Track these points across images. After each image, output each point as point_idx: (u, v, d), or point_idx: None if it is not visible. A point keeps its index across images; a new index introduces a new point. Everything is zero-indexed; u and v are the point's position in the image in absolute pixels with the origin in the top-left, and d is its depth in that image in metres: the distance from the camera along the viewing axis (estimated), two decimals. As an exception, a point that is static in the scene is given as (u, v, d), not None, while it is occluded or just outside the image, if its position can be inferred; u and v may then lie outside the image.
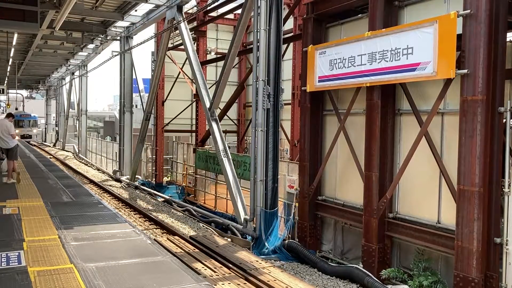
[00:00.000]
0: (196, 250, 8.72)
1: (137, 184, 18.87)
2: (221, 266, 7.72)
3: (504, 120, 6.58)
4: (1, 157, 15.34)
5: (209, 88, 13.74)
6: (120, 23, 20.21)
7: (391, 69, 7.64)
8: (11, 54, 24.45)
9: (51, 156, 29.90)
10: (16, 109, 42.20)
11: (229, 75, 12.44)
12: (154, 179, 20.53)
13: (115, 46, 22.41)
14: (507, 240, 6.44)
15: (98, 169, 25.87)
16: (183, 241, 9.33)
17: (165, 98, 20.07)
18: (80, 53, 28.33)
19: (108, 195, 16.62)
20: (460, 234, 6.67)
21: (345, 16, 9.40)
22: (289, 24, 15.45)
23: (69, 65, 33.72)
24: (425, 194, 7.74)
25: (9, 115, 13.76)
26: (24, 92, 54.40)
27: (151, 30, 20.73)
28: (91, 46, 25.42)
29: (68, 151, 36.78)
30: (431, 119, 7.34)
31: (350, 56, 8.49)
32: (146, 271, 5.71)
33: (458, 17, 6.62)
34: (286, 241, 9.77)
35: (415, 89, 7.85)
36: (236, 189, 11.42)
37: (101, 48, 25.17)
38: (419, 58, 7.14)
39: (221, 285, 6.77)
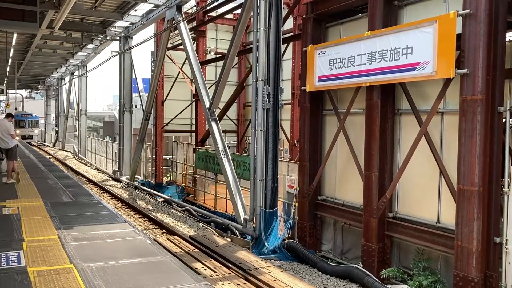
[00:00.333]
0: (196, 250, 8.72)
1: (136, 184, 18.87)
2: (221, 266, 7.72)
3: (504, 119, 6.58)
4: (0, 157, 15.34)
5: (208, 88, 13.73)
6: (119, 23, 20.21)
7: (391, 69, 7.64)
8: (11, 54, 24.46)
9: (51, 156, 29.89)
10: (16, 109, 42.15)
11: (228, 75, 12.43)
12: (153, 179, 20.53)
13: (115, 46, 22.43)
14: (506, 240, 6.45)
15: (98, 169, 25.86)
16: (183, 241, 9.33)
17: (164, 98, 20.07)
18: (79, 53, 28.33)
19: (107, 195, 16.62)
20: (459, 234, 6.67)
21: (344, 16, 9.40)
22: (289, 24, 15.46)
23: (69, 65, 33.72)
24: (424, 194, 7.74)
25: (8, 115, 13.77)
26: (24, 92, 54.38)
27: (150, 30, 20.78)
28: (90, 46, 25.42)
29: (68, 151, 36.78)
30: (430, 119, 7.34)
31: (350, 56, 8.49)
32: (145, 271, 5.71)
33: (457, 16, 6.62)
34: (286, 241, 9.77)
35: (415, 88, 7.85)
36: (235, 189, 11.42)
37: (101, 48, 25.17)
38: (419, 57, 7.14)
39: (221, 285, 6.77)
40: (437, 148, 7.44)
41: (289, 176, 10.81)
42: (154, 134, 20.37)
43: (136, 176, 20.07)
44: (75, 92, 35.95)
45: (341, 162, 9.54)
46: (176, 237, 9.82)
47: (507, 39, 6.84)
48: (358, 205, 8.83)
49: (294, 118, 15.40)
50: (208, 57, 18.91)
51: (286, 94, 12.82)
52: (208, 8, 16.54)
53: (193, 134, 19.41)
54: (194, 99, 18.74)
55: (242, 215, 10.89)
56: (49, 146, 42.37)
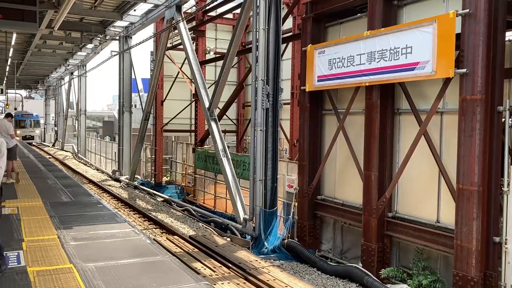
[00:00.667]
0: (196, 249, 8.72)
1: (136, 184, 18.87)
2: (221, 265, 7.72)
3: (503, 119, 6.59)
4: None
5: (208, 88, 13.73)
6: (119, 23, 20.20)
7: (390, 69, 7.65)
8: (10, 54, 24.46)
9: (50, 156, 29.88)
10: (15, 108, 42.10)
11: (228, 75, 12.43)
12: (153, 179, 20.53)
13: (114, 46, 22.43)
14: (506, 239, 6.45)
15: (97, 169, 25.85)
16: (183, 241, 9.33)
17: (164, 98, 20.07)
18: (79, 53, 28.31)
19: (107, 195, 16.61)
20: (459, 233, 6.68)
21: (344, 16, 9.40)
22: (288, 24, 15.45)
23: (68, 65, 33.72)
24: (424, 194, 7.75)
25: (8, 115, 13.78)
26: (23, 92, 54.37)
27: (150, 30, 20.76)
28: (90, 46, 25.41)
29: (67, 151, 36.75)
30: (430, 119, 7.35)
31: (349, 56, 8.49)
32: (145, 270, 5.71)
33: (457, 16, 6.62)
34: (286, 241, 9.77)
35: (414, 88, 7.86)
36: (235, 189, 11.42)
37: (100, 48, 25.17)
38: (418, 57, 7.15)
39: (221, 284, 6.77)
40: (436, 147, 7.45)
41: (288, 175, 10.81)
42: (154, 134, 20.36)
43: (135, 176, 20.07)
44: (74, 92, 35.95)
45: (340, 162, 9.55)
46: (175, 237, 9.82)
47: (507, 38, 6.84)
48: (357, 205, 8.83)
49: (294, 118, 15.40)
50: (208, 57, 18.90)
51: (285, 94, 12.82)
52: (207, 7, 16.53)
53: (193, 134, 19.40)
54: (193, 99, 18.73)
55: (241, 215, 10.89)
56: (48, 146, 42.33)
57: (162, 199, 16.11)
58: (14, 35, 19.59)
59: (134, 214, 13.35)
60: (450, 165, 7.12)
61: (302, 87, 9.95)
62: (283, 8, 10.86)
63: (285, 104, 12.79)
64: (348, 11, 9.25)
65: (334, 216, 9.52)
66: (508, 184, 6.38)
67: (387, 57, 7.70)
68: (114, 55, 21.51)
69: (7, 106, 33.40)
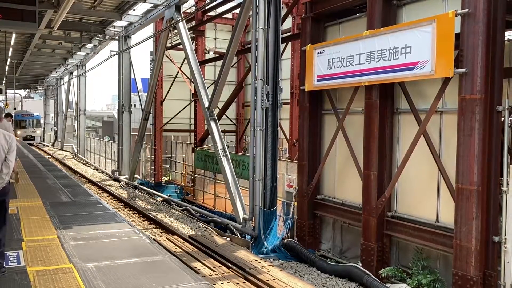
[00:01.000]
0: (195, 249, 8.72)
1: (136, 184, 18.87)
2: (220, 265, 7.73)
3: (502, 118, 6.59)
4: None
5: (207, 88, 13.74)
6: (118, 23, 20.20)
7: (390, 68, 7.65)
8: (9, 54, 24.45)
9: (50, 156, 29.88)
10: (15, 108, 41.99)
11: (227, 75, 12.43)
12: (153, 179, 20.53)
13: (114, 45, 22.42)
14: (505, 239, 6.45)
15: (97, 169, 25.85)
16: (182, 241, 9.33)
17: (163, 97, 20.06)
18: (78, 53, 28.32)
19: (107, 194, 16.62)
20: (458, 233, 6.68)
21: (343, 15, 9.40)
22: (288, 24, 15.45)
23: (68, 65, 33.71)
24: (423, 193, 7.76)
25: (7, 115, 13.77)
26: (23, 92, 54.34)
27: (149, 29, 20.72)
28: (89, 45, 25.40)
29: (67, 151, 36.75)
30: (429, 118, 7.36)
31: (349, 55, 8.49)
32: (145, 270, 5.71)
33: (456, 16, 6.62)
34: (285, 240, 9.78)
35: (414, 88, 7.86)
36: (235, 189, 11.43)
37: (100, 47, 25.16)
38: (418, 57, 7.15)
39: (220, 284, 6.78)
40: (436, 147, 7.46)
41: (288, 175, 10.81)
42: (153, 134, 20.36)
43: (135, 175, 20.07)
44: (74, 91, 35.94)
45: (340, 162, 9.55)
46: (175, 236, 9.83)
47: (506, 38, 6.84)
48: (357, 204, 8.83)
49: (293, 118, 15.41)
50: (207, 56, 18.90)
51: (285, 94, 12.84)
52: (207, 7, 16.54)
53: (192, 133, 19.41)
54: (193, 99, 18.73)
55: (241, 215, 10.90)
56: (48, 146, 42.30)
57: (161, 199, 16.12)
58: (14, 35, 19.58)
59: (133, 214, 13.35)
60: (450, 165, 7.13)
61: (301, 87, 9.95)
62: (282, 8, 10.85)
63: (284, 103, 12.80)
64: (347, 11, 9.25)
65: (334, 216, 9.53)
66: (507, 184, 6.38)
67: (386, 57, 7.71)
68: (114, 55, 21.51)
69: (6, 106, 33.33)
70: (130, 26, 20.35)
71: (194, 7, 17.65)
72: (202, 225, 11.95)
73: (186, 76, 18.86)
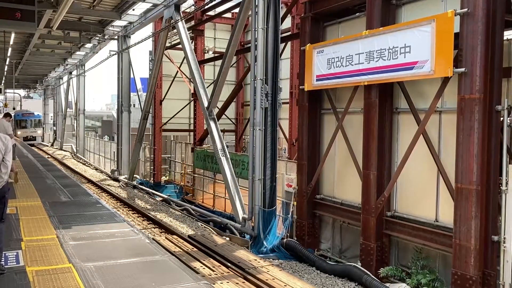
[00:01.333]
0: (195, 249, 8.72)
1: (135, 184, 18.86)
2: (220, 265, 7.73)
3: (502, 118, 6.59)
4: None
5: (207, 87, 13.73)
6: (117, 23, 20.18)
7: (389, 68, 7.65)
8: (9, 54, 24.43)
9: (49, 156, 29.87)
10: (14, 108, 41.86)
11: (227, 74, 12.43)
12: (152, 179, 20.52)
13: (113, 45, 22.39)
14: (504, 238, 6.46)
15: (96, 169, 25.84)
16: (182, 240, 9.33)
17: (163, 97, 20.06)
18: (77, 53, 28.29)
19: (106, 194, 16.61)
20: (458, 232, 6.69)
21: (343, 15, 9.40)
22: (287, 23, 15.46)
23: (67, 65, 33.68)
24: (423, 193, 7.76)
25: (6, 115, 13.78)
26: (22, 92, 54.26)
27: (148, 29, 20.69)
28: (88, 45, 25.38)
29: (66, 151, 36.73)
30: (428, 118, 7.36)
31: (348, 55, 8.49)
32: (144, 270, 5.71)
33: (455, 15, 6.63)
34: (285, 240, 9.78)
35: (413, 87, 7.86)
36: (234, 188, 11.43)
37: (99, 47, 25.13)
38: (417, 56, 7.15)
39: (220, 284, 6.78)
40: (435, 146, 7.46)
41: (287, 175, 10.81)
42: (153, 134, 20.35)
43: (134, 175, 20.06)
44: (73, 91, 35.90)
45: (339, 161, 9.55)
46: (174, 236, 9.82)
47: (505, 37, 6.84)
48: (356, 204, 8.84)
49: (293, 117, 15.42)
50: (207, 56, 18.90)
51: (284, 93, 12.83)
52: (206, 7, 16.53)
53: (192, 133, 19.40)
54: (192, 98, 18.73)
55: (240, 214, 10.90)
56: (47, 146, 42.23)
57: (161, 198, 16.11)
58: (13, 35, 19.57)
59: (133, 213, 13.35)
60: (449, 164, 7.14)
61: (300, 87, 9.95)
62: (282, 8, 10.86)
63: (284, 103, 12.79)
64: (346, 11, 9.25)
65: (333, 215, 9.53)
66: (507, 183, 6.38)
67: (385, 57, 7.71)
68: (113, 55, 21.48)
69: (5, 106, 33.26)
70: (129, 25, 20.33)
71: (193, 7, 17.64)
72: (202, 225, 11.95)
73: (186, 75, 18.85)
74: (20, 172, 14.56)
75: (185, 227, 11.63)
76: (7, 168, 6.01)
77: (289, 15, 14.57)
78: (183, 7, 16.29)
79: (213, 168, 14.68)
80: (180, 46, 15.76)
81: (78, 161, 29.64)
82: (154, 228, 11.57)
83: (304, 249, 9.40)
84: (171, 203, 15.12)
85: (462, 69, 6.58)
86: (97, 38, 21.97)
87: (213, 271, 7.38)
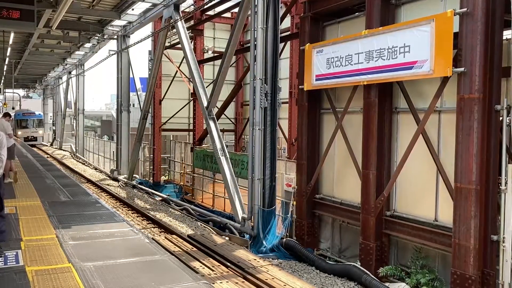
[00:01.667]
0: (194, 249, 8.72)
1: (134, 183, 18.86)
2: (219, 264, 7.73)
3: (501, 118, 6.60)
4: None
5: (206, 87, 13.73)
6: (117, 22, 20.18)
7: (388, 68, 7.66)
8: (8, 53, 24.41)
9: (48, 156, 29.85)
10: (13, 108, 41.77)
11: (226, 74, 12.43)
12: (151, 178, 20.52)
13: (112, 45, 22.38)
14: (504, 238, 6.46)
15: (96, 168, 25.84)
16: (181, 240, 9.33)
17: (162, 97, 20.06)
18: (77, 52, 28.28)
19: (105, 194, 16.61)
20: (457, 232, 6.70)
21: (342, 15, 9.40)
22: (286, 23, 15.46)
23: (66, 64, 33.67)
24: (422, 192, 7.77)
25: (6, 115, 13.77)
26: (21, 92, 54.20)
27: (148, 29, 20.69)
28: (88, 45, 25.38)
29: (66, 151, 36.71)
30: (428, 117, 7.37)
31: (347, 55, 8.50)
32: (144, 270, 5.71)
33: (455, 15, 6.63)
34: (284, 240, 9.79)
35: (412, 87, 7.87)
36: (234, 188, 11.43)
37: (98, 47, 25.13)
38: (416, 56, 7.16)
39: (219, 283, 6.78)
40: (434, 146, 7.47)
41: (287, 174, 10.82)
42: (152, 133, 20.34)
43: (134, 175, 20.05)
44: (72, 91, 35.89)
45: (339, 161, 9.56)
46: (174, 236, 9.83)
47: (504, 37, 6.85)
48: (356, 204, 8.84)
49: (292, 117, 15.42)
50: (206, 56, 18.88)
51: (283, 93, 12.82)
52: (205, 7, 16.52)
53: (191, 133, 19.39)
54: (191, 98, 18.72)
55: (240, 214, 10.90)
56: (46, 145, 42.19)
57: (160, 198, 16.11)
58: (12, 34, 19.57)
59: (132, 213, 13.35)
60: (448, 164, 7.14)
61: (300, 86, 9.95)
62: (281, 7, 10.86)
63: (283, 103, 12.77)
64: (346, 10, 9.25)
65: (333, 215, 9.53)
66: (506, 183, 6.39)
67: (385, 56, 7.71)
68: (112, 54, 21.48)
69: (5, 106, 33.21)
70: (129, 25, 20.33)
71: (192, 7, 17.63)
72: (201, 225, 11.95)
73: (185, 75, 18.85)
74: (20, 171, 14.54)
75: (185, 226, 11.63)
76: (2, 162, 6.37)
77: (288, 14, 14.57)
78: (183, 6, 16.28)
79: (212, 168, 14.68)
80: (179, 45, 15.77)
81: (78, 161, 29.63)
82: (154, 227, 11.57)
83: (303, 248, 9.41)
84: (171, 202, 15.12)
85: (462, 69, 6.59)
86: (97, 37, 21.95)
87: (213, 270, 7.38)
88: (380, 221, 8.15)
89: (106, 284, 5.18)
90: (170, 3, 15.18)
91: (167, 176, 21.03)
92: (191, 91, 17.66)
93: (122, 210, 13.69)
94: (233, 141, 21.62)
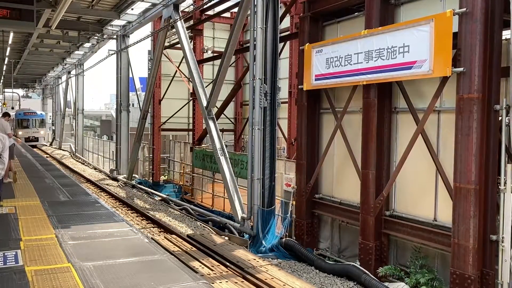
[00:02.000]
0: (194, 248, 8.72)
1: (134, 183, 18.86)
2: (219, 264, 7.73)
3: (500, 118, 6.61)
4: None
5: (206, 87, 13.73)
6: (116, 22, 20.18)
7: (388, 67, 7.66)
8: (7, 53, 24.41)
9: (48, 155, 29.84)
10: (12, 108, 41.70)
11: (226, 74, 12.44)
12: (151, 178, 20.52)
13: (112, 45, 22.40)
14: (503, 237, 6.47)
15: (95, 168, 25.83)
16: (181, 240, 9.33)
17: (162, 97, 20.06)
18: (76, 52, 28.27)
19: (105, 194, 16.61)
20: (456, 232, 6.70)
21: (341, 15, 9.41)
22: (286, 23, 15.46)
23: (66, 64, 33.66)
24: (421, 192, 7.77)
25: (5, 115, 13.76)
26: (20, 91, 54.17)
27: (147, 28, 20.73)
28: (87, 45, 25.37)
29: (65, 150, 36.70)
30: (427, 117, 7.37)
31: (347, 55, 8.50)
32: (143, 270, 5.71)
33: (454, 15, 6.64)
34: (284, 239, 9.79)
35: (412, 87, 7.87)
36: (233, 188, 11.43)
37: (98, 47, 25.10)
38: (416, 56, 7.16)
39: (219, 283, 6.78)
40: (433, 146, 7.47)
41: (286, 174, 10.82)
42: (152, 133, 20.35)
43: (133, 175, 20.05)
44: (72, 91, 35.87)
45: (338, 161, 9.56)
46: (173, 236, 9.83)
47: (503, 37, 6.86)
48: (355, 203, 8.85)
49: (291, 117, 15.41)
50: (205, 55, 18.89)
51: (283, 93, 12.84)
52: (205, 6, 16.52)
53: (191, 133, 19.40)
54: (191, 98, 18.73)
55: (239, 214, 10.90)
56: (46, 145, 42.16)
57: (160, 198, 16.11)
58: (11, 34, 19.56)
59: (132, 213, 13.35)
60: (447, 164, 7.15)
61: (299, 86, 9.95)
62: (280, 7, 10.88)
63: (282, 103, 12.80)
64: (345, 10, 9.25)
65: (332, 215, 9.54)
66: (505, 183, 6.40)
67: (384, 56, 7.72)
68: (112, 54, 21.48)
69: (4, 105, 33.17)
70: (128, 25, 20.33)
71: (192, 6, 17.63)
72: (201, 224, 11.95)
73: (184, 75, 18.86)
74: (19, 171, 14.53)
75: (184, 226, 11.63)
76: (4, 164, 6.67)
77: (288, 14, 14.57)
78: (182, 6, 16.28)
79: (212, 168, 14.69)
80: (179, 45, 15.78)
81: (77, 161, 29.62)
82: (153, 227, 11.57)
83: (303, 248, 9.41)
84: (170, 202, 15.13)
85: (461, 69, 6.59)
86: (96, 37, 21.95)
87: (212, 270, 7.38)
88: (379, 221, 8.16)
89: (106, 283, 5.18)
90: (170, 3, 15.18)
91: (166, 176, 21.03)
92: (191, 91, 17.67)
93: (122, 210, 13.69)
94: (233, 141, 21.63)
